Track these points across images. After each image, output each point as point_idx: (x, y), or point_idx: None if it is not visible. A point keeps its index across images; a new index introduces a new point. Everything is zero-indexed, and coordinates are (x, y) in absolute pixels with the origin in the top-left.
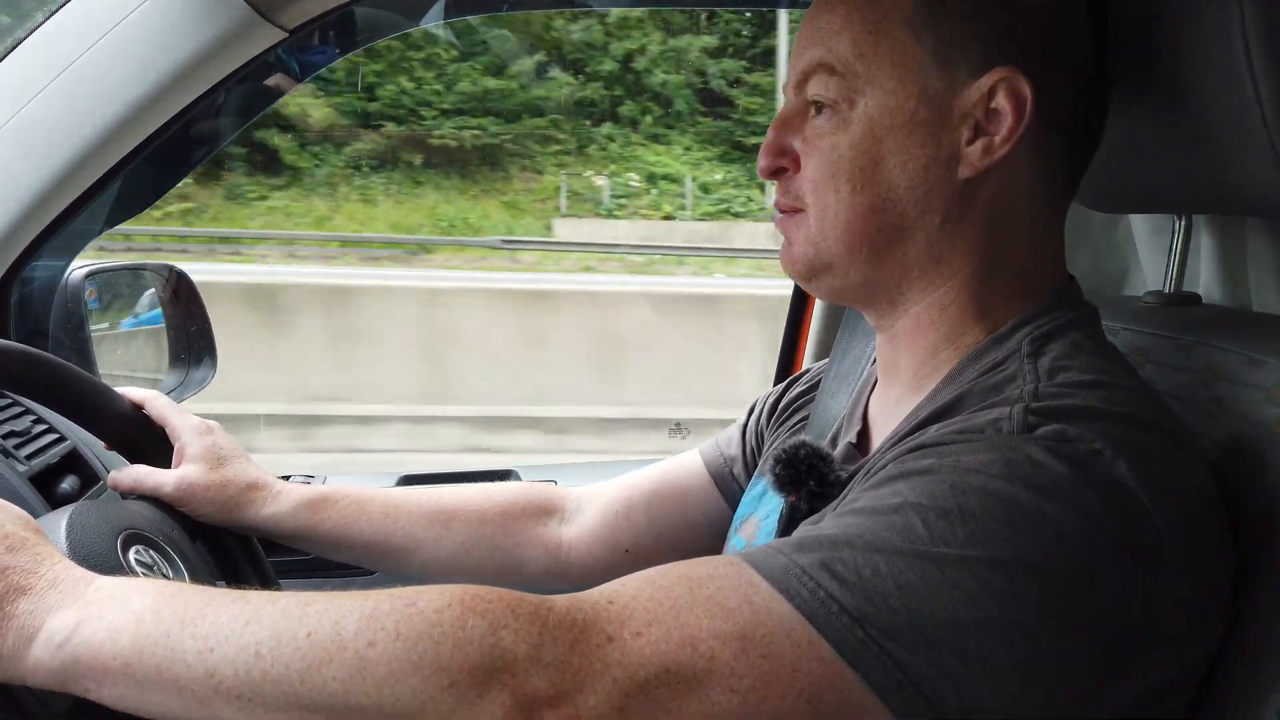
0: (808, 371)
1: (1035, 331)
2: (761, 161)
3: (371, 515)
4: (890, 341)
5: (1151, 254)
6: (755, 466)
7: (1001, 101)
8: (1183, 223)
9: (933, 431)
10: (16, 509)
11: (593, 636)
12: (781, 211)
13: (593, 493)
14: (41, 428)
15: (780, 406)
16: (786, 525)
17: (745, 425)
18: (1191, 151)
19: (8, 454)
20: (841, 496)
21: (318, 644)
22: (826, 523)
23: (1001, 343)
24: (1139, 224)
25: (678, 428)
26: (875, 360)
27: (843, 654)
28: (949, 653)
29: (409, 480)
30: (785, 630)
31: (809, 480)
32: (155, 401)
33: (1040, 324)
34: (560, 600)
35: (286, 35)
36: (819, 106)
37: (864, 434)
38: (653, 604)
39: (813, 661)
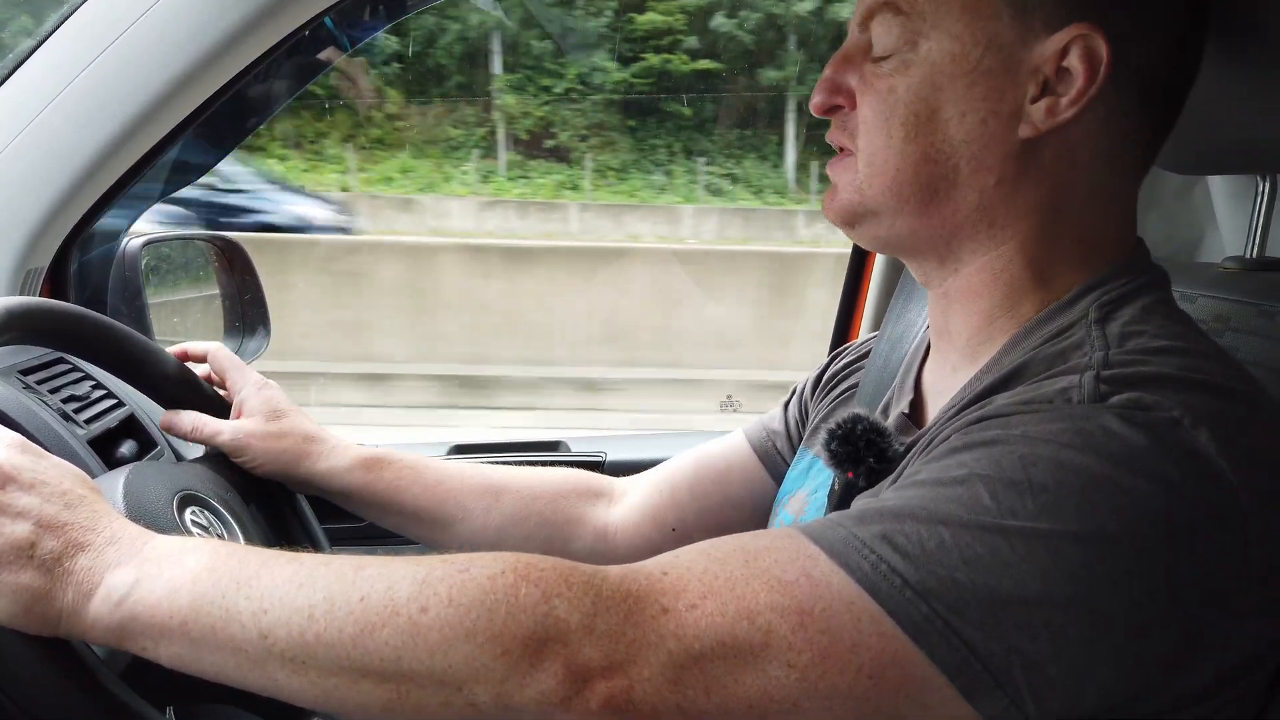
0: (855, 342)
1: (1103, 297)
2: (815, 97)
3: (425, 481)
4: (941, 301)
5: (1231, 217)
6: (799, 440)
7: (1074, 61)
8: (1267, 184)
9: (996, 402)
10: (74, 468)
11: (647, 608)
12: (834, 149)
13: (639, 479)
14: (100, 393)
15: (826, 377)
16: (839, 501)
17: (788, 401)
18: None
19: (68, 418)
20: (899, 471)
21: (371, 608)
22: (886, 495)
23: (1066, 309)
24: (1217, 186)
25: (729, 400)
26: (928, 326)
27: (906, 629)
28: (1017, 629)
29: (460, 450)
30: (845, 604)
31: (867, 457)
32: (218, 354)
33: (1108, 289)
34: (614, 571)
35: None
36: (881, 45)
37: (917, 404)
38: (708, 576)
39: (874, 636)
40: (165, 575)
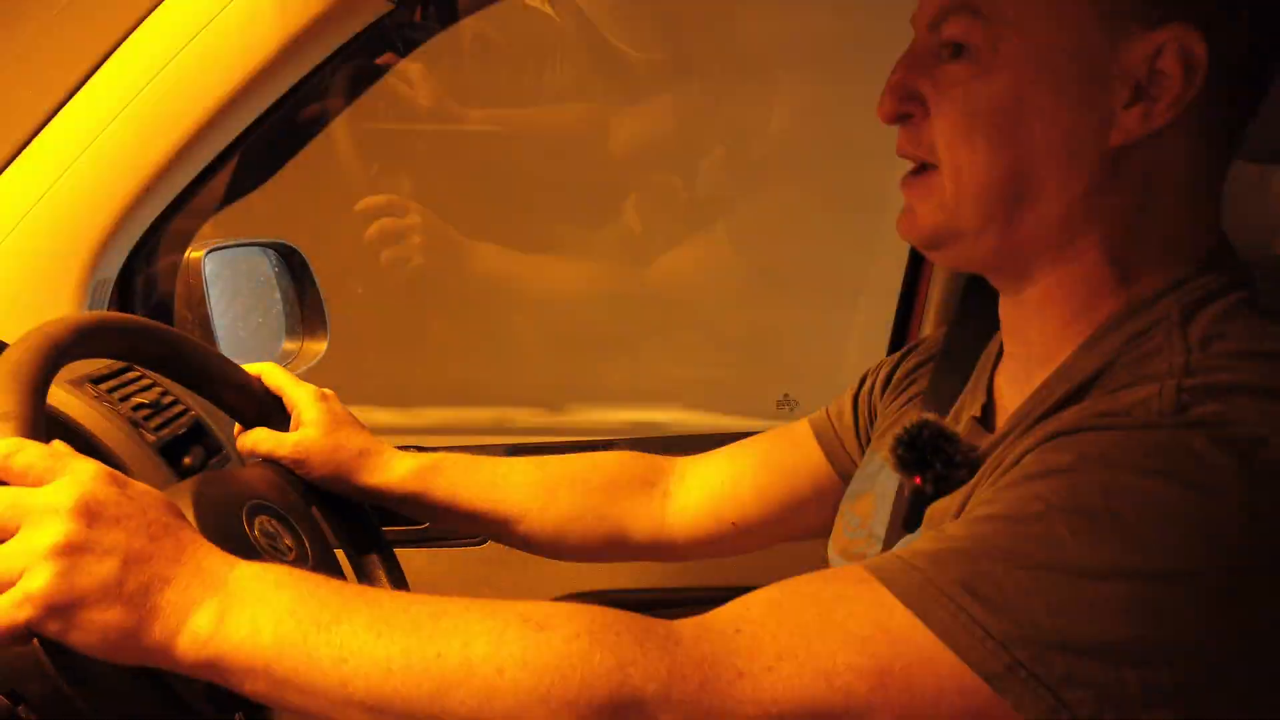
0: (925, 340)
1: (1186, 297)
2: (885, 105)
3: (480, 483)
4: (1017, 308)
5: None
6: (867, 439)
7: (1170, 63)
8: None
9: (1072, 414)
10: (156, 493)
11: (723, 672)
12: (909, 162)
13: (697, 463)
14: (169, 399)
15: (895, 378)
16: (908, 507)
17: (857, 396)
18: None
19: (137, 425)
20: (973, 482)
21: (447, 666)
22: (959, 528)
23: (1147, 309)
24: None
25: (786, 399)
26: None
27: (990, 682)
28: (1105, 676)
29: (515, 450)
30: (925, 659)
31: (934, 463)
32: (271, 373)
33: (1192, 289)
34: (687, 630)
35: (391, 7)
36: (956, 49)
37: (989, 408)
38: (783, 632)
39: (957, 693)
40: (248, 614)
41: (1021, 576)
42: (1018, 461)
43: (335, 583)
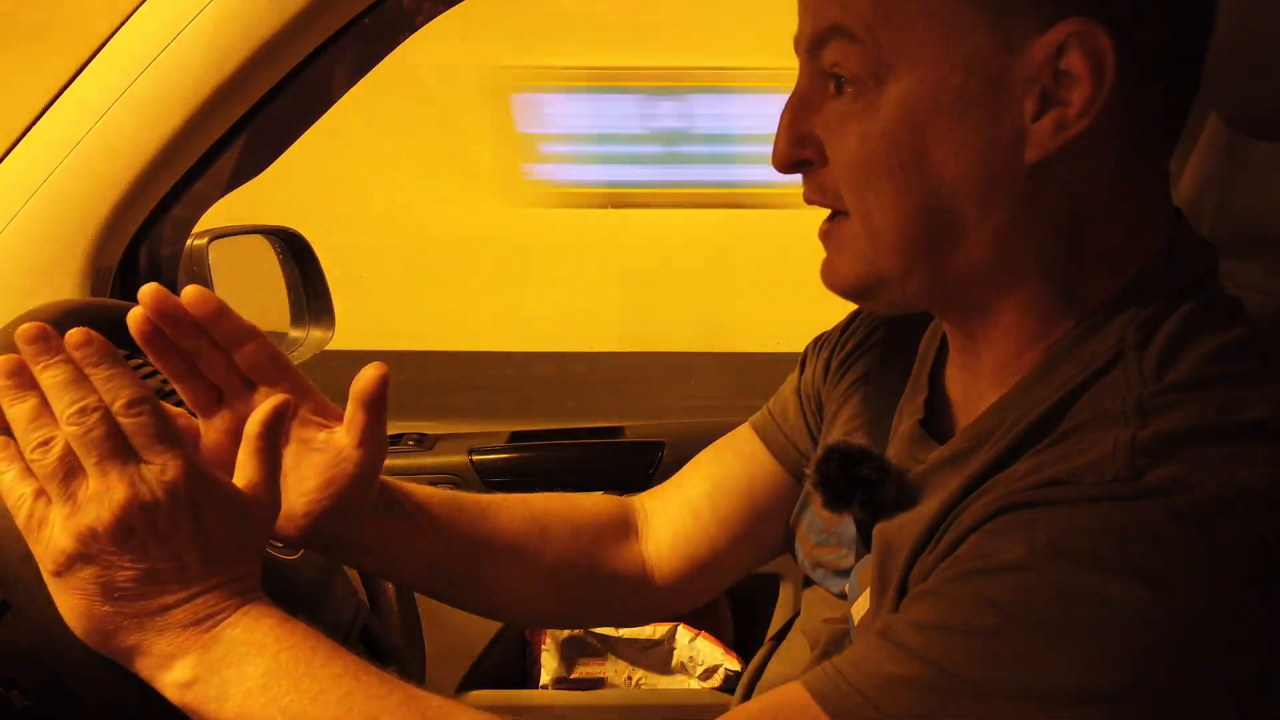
0: (860, 318)
1: (1141, 314)
2: (777, 151)
3: (470, 516)
4: (966, 337)
5: None
6: (819, 429)
7: (1074, 62)
8: None
9: (1022, 473)
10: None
11: None
12: (818, 208)
13: (657, 500)
14: (170, 387)
15: (833, 365)
16: (859, 533)
17: (799, 386)
18: None
19: None
20: (927, 530)
21: None
22: (913, 637)
23: (1099, 330)
24: None
25: None
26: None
27: None
28: None
29: (519, 436)
30: None
31: (853, 494)
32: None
33: (1145, 301)
34: None
35: None
36: (839, 83)
37: (935, 409)
38: None
39: None
40: (218, 679)
41: (982, 709)
42: (969, 529)
43: (319, 655)
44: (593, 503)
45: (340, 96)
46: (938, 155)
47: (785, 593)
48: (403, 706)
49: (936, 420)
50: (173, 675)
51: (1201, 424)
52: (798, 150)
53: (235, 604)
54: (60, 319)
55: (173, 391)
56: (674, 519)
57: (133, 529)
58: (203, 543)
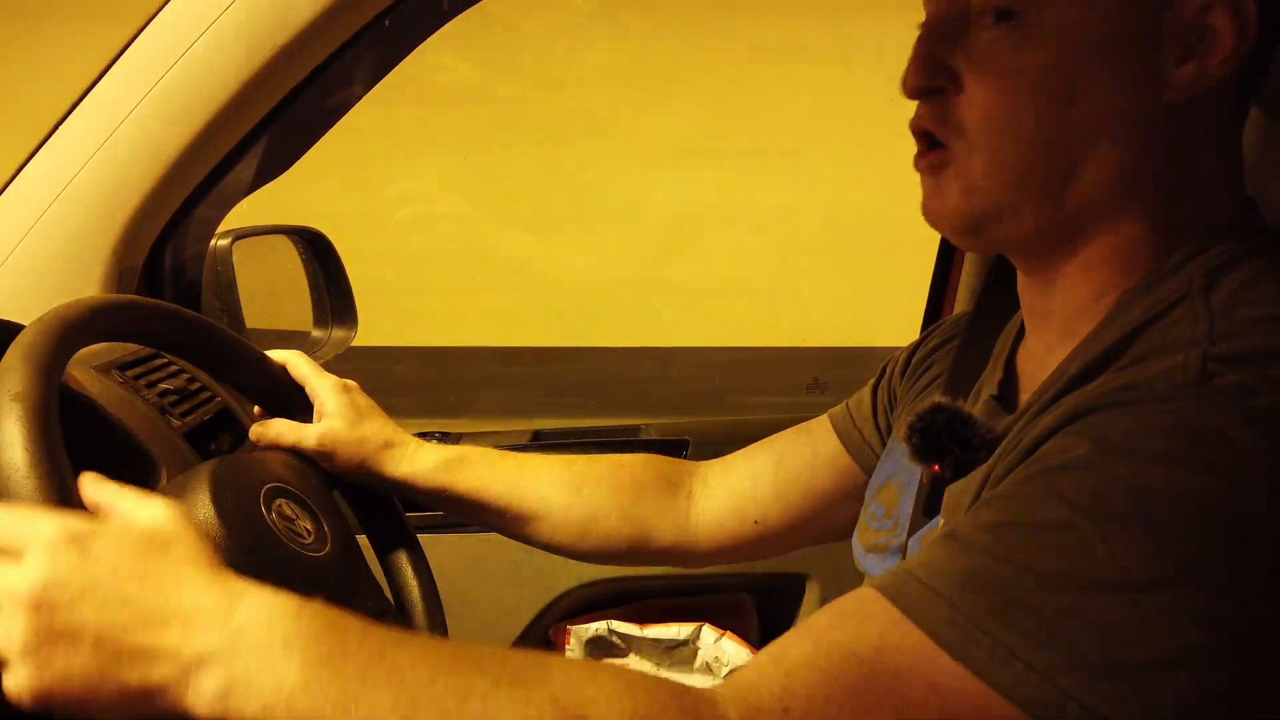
0: (945, 322)
1: (1210, 264)
2: (910, 78)
3: (506, 477)
4: (1041, 286)
5: None
6: (889, 429)
7: (1219, 18)
8: None
9: (1092, 389)
10: (131, 522)
11: None
12: (925, 142)
13: (718, 465)
14: (196, 386)
15: (914, 362)
16: (929, 495)
17: (876, 385)
18: None
19: (164, 411)
20: (991, 461)
21: None
22: (980, 534)
23: (1169, 277)
24: None
25: (816, 383)
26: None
27: (1038, 717)
28: (1159, 694)
29: (540, 436)
30: (975, 709)
31: (951, 448)
32: (295, 361)
33: (1216, 254)
34: (734, 711)
35: None
36: (999, 14)
37: (1008, 386)
38: (831, 705)
39: None
40: (256, 687)
41: (1058, 598)
42: (1037, 442)
43: (351, 637)
44: (638, 461)
45: (362, 97)
46: (1085, 90)
47: (811, 592)
48: (446, 672)
49: (1009, 398)
50: (201, 690)
51: (1269, 347)
52: (933, 78)
53: (228, 595)
54: (86, 317)
55: (194, 393)
56: (733, 481)
57: (53, 605)
58: (131, 550)
